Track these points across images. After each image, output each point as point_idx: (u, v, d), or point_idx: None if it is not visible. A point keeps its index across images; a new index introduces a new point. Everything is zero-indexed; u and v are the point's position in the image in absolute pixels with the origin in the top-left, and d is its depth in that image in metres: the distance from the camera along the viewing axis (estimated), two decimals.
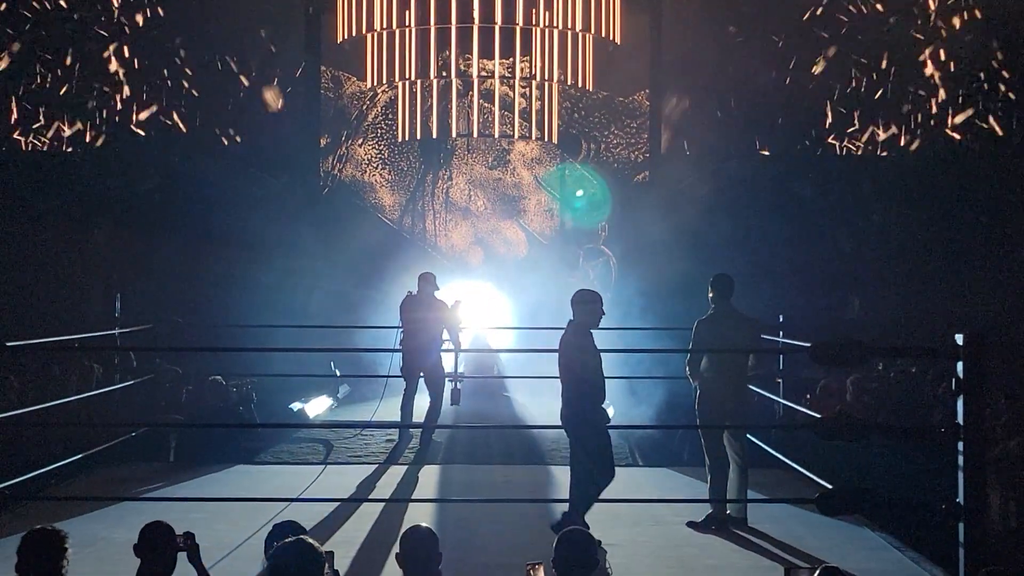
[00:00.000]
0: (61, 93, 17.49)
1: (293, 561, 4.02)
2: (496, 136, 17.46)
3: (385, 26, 15.95)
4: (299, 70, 17.99)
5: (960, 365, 6.50)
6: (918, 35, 17.68)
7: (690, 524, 8.76)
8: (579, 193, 17.79)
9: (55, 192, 17.28)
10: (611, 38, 16.69)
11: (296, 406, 13.42)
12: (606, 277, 17.63)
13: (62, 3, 17.45)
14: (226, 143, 17.87)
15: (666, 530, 8.74)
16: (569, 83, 16.74)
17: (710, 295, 9.09)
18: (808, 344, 7.13)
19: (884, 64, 17.74)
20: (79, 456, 10.01)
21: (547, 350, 8.38)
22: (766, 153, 18.05)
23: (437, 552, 4.99)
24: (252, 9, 17.63)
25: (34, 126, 17.55)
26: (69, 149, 17.61)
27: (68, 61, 17.46)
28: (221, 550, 7.86)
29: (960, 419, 6.47)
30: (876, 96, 17.85)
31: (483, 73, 16.37)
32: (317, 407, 13.82)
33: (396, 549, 4.98)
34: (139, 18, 17.69)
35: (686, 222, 16.57)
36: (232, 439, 11.85)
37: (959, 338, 6.56)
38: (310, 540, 4.23)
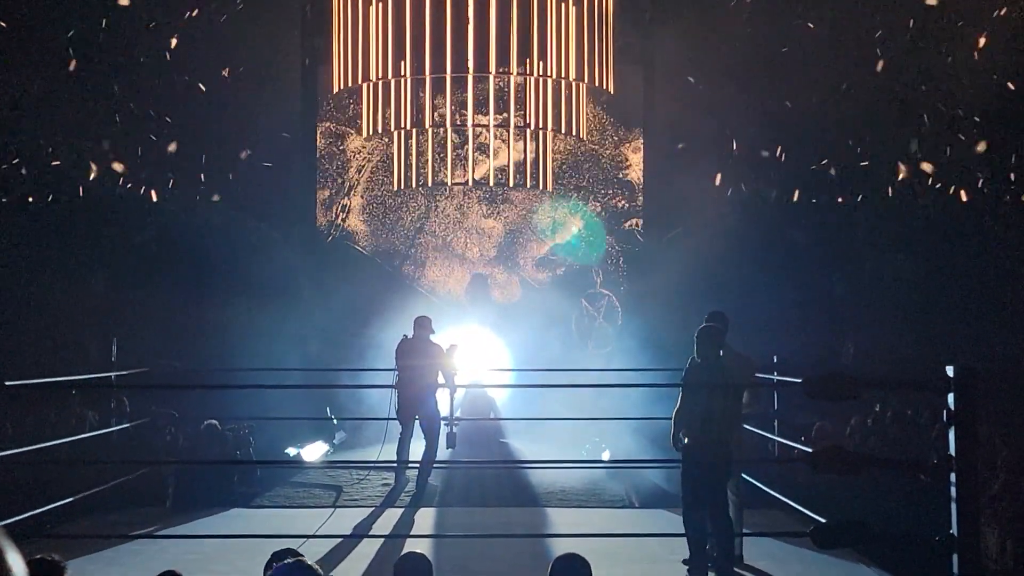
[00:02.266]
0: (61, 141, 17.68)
1: None
2: (491, 185, 17.58)
3: (380, 76, 16.11)
4: (296, 120, 18.19)
5: (951, 397, 6.54)
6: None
7: (686, 562, 8.76)
8: (574, 230, 18.05)
9: (53, 241, 17.37)
10: (605, 88, 16.85)
11: (292, 451, 13.42)
12: (613, 317, 17.74)
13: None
14: (218, 198, 18.02)
15: (662, 568, 8.74)
16: (563, 132, 16.89)
17: None
18: (800, 380, 7.16)
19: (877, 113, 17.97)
20: (74, 498, 9.99)
21: (534, 386, 8.41)
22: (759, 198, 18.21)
23: None
24: (249, 59, 17.85)
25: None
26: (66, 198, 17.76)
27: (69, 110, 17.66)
28: None
29: (952, 451, 6.51)
30: (871, 142, 18.06)
31: (477, 123, 16.52)
32: (313, 453, 13.81)
33: None
34: (137, 63, 17.92)
35: (680, 268, 16.67)
36: (228, 483, 11.84)
37: (950, 370, 6.61)
38: (309, 562, 4.26)
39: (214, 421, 12.56)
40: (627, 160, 18.40)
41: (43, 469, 10.53)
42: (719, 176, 18.19)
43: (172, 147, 17.99)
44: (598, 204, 18.27)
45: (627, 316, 17.54)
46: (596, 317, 17.73)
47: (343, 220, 18.27)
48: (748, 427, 10.12)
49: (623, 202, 18.35)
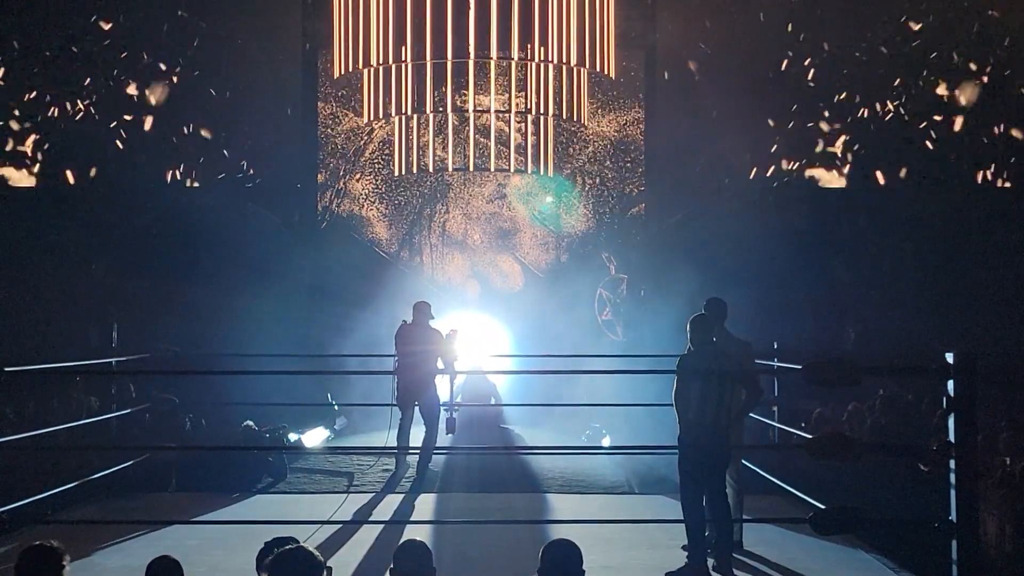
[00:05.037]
0: (61, 128, 17.68)
1: (293, 566, 4.07)
2: (492, 170, 17.55)
3: (381, 61, 16.07)
4: (296, 105, 18.14)
5: (951, 384, 6.55)
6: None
7: (685, 547, 8.76)
8: (548, 200, 18.01)
9: (54, 226, 17.37)
10: (606, 73, 16.81)
11: (292, 437, 13.43)
12: (636, 298, 17.65)
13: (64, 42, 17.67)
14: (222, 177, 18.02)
15: (662, 553, 8.75)
16: (564, 117, 16.85)
17: None
18: (800, 366, 7.15)
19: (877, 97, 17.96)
20: (76, 484, 10.00)
21: (534, 372, 8.40)
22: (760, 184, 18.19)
23: (431, 567, 5.00)
24: (249, 44, 17.81)
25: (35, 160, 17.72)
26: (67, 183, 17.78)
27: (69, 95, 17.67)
28: (217, 574, 7.89)
29: (952, 437, 6.52)
30: (871, 126, 18.03)
31: (479, 108, 16.49)
32: (314, 438, 13.83)
33: (391, 565, 5.00)
34: (138, 54, 17.91)
35: (680, 254, 16.66)
36: (246, 471, 11.83)
37: (949, 357, 6.62)
38: (310, 548, 4.27)
39: (250, 422, 12.57)
40: (636, 144, 18.34)
41: (45, 455, 10.54)
42: (720, 161, 18.15)
43: (172, 131, 17.97)
44: (605, 189, 18.23)
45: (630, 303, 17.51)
46: (618, 304, 17.69)
47: (338, 205, 18.22)
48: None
49: (631, 188, 18.30)
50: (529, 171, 17.24)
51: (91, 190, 17.78)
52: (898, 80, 18.00)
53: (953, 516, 6.39)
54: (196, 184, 18.04)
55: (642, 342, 15.17)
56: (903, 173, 18.08)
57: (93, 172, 17.90)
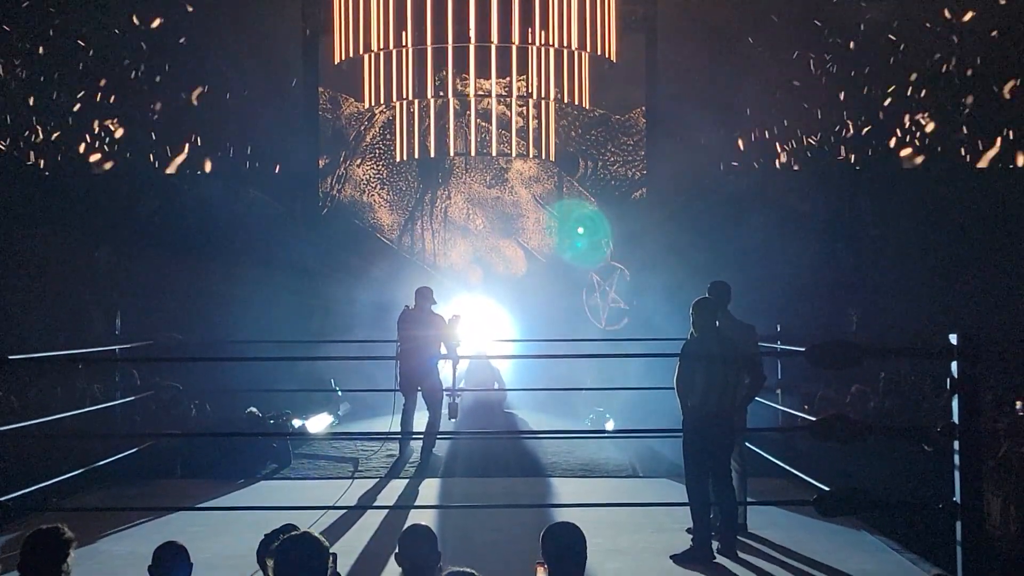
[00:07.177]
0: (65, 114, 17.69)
1: (299, 552, 4.07)
2: (494, 155, 17.54)
3: (382, 46, 16.04)
4: (297, 91, 18.12)
5: (955, 365, 6.54)
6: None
7: (690, 531, 8.78)
8: (580, 231, 17.83)
9: (58, 214, 17.39)
10: (607, 56, 16.77)
11: (297, 423, 13.44)
12: (625, 292, 17.64)
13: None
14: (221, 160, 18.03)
15: (667, 537, 8.77)
16: (565, 101, 16.83)
17: None
18: (803, 348, 7.14)
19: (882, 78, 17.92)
20: (81, 471, 10.01)
21: (536, 356, 8.40)
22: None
23: (436, 551, 5.01)
24: (250, 31, 17.78)
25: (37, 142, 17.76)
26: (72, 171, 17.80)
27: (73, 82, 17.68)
28: (221, 560, 7.90)
29: (955, 418, 6.51)
30: (876, 109, 18.00)
31: (480, 92, 16.46)
32: (318, 424, 13.84)
33: (396, 550, 5.01)
34: (141, 42, 17.90)
35: (683, 238, 16.64)
36: (250, 457, 11.84)
37: (953, 338, 6.60)
38: (316, 534, 4.28)
39: (254, 409, 12.58)
40: (637, 127, 18.31)
41: (49, 443, 10.54)
42: (722, 144, 18.12)
43: (174, 119, 17.97)
44: (607, 173, 18.20)
45: (633, 287, 17.51)
46: (608, 291, 17.65)
47: (340, 191, 18.21)
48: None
49: (633, 171, 18.27)
50: (531, 155, 17.24)
51: (94, 178, 17.79)
52: (905, 64, 17.96)
53: (957, 497, 6.38)
54: (198, 171, 18.04)
55: (643, 326, 15.16)
56: (906, 155, 18.06)
57: (96, 159, 17.91)
